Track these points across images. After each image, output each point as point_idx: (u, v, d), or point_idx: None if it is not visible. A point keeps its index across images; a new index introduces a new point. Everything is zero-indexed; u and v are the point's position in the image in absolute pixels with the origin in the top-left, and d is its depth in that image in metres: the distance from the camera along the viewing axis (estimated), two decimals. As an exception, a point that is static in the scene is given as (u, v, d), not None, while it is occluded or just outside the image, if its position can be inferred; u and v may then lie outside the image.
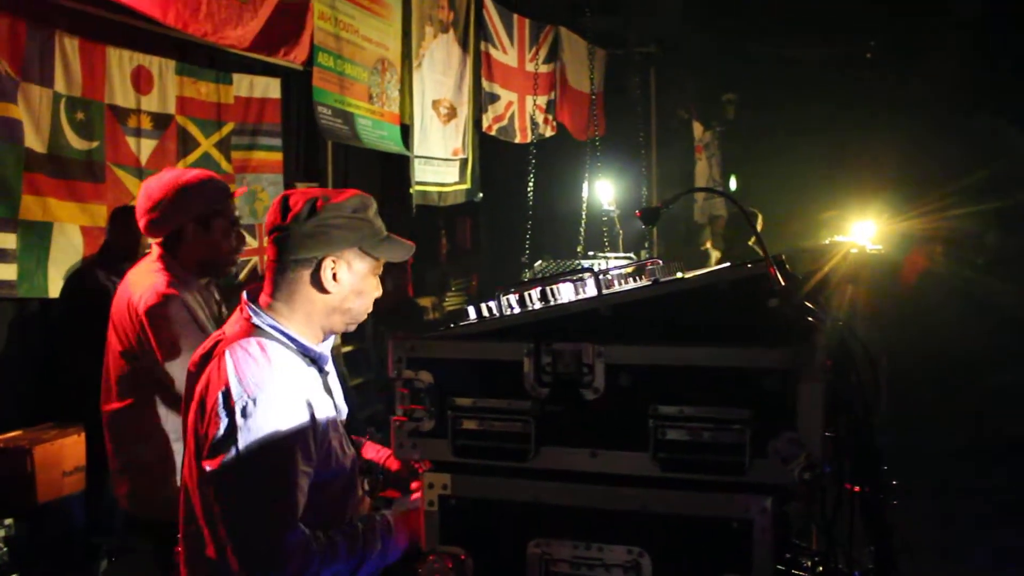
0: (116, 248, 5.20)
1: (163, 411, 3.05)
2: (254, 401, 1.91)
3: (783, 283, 1.80)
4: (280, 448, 1.92)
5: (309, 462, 1.98)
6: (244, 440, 1.89)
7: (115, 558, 5.14)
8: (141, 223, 3.11)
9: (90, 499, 5.12)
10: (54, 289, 5.38)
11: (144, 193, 3.13)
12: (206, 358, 2.06)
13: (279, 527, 1.90)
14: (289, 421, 1.95)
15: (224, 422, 1.91)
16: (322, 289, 2.05)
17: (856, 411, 1.98)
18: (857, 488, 2.04)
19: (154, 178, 3.17)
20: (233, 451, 1.89)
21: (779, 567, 1.81)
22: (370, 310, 2.18)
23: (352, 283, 2.08)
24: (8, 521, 4.35)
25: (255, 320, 2.05)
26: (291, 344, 2.06)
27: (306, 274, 2.05)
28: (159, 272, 3.04)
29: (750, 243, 6.76)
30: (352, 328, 2.18)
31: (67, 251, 5.53)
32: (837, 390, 1.86)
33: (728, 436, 1.70)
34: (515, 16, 9.32)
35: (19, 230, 5.25)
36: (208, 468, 1.92)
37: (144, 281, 3.03)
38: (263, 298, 2.09)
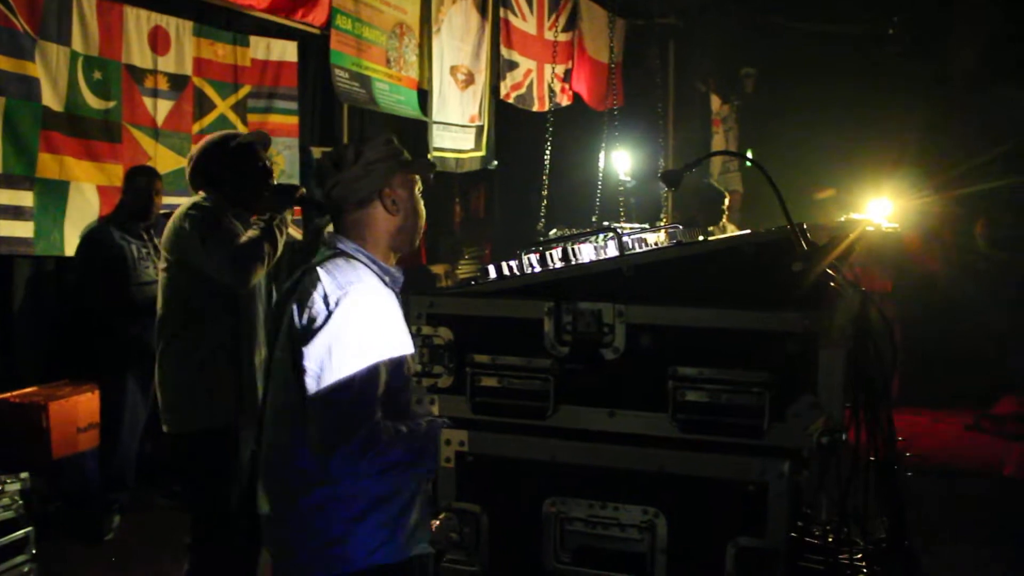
0: (131, 208, 5.20)
1: (206, 330, 3.46)
2: (346, 294, 2.21)
3: (807, 249, 1.79)
4: (366, 335, 2.20)
5: (388, 357, 2.25)
6: (338, 324, 2.18)
7: (128, 513, 5.19)
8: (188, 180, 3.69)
9: (104, 455, 5.16)
10: (70, 247, 5.39)
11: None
12: (293, 286, 2.35)
13: (357, 402, 2.15)
14: (374, 316, 2.24)
15: (322, 313, 2.19)
16: (390, 214, 2.37)
17: (874, 381, 1.97)
18: (872, 458, 2.03)
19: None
20: (327, 334, 2.17)
21: (791, 533, 1.81)
22: (422, 227, 2.47)
23: (407, 203, 2.39)
24: (24, 475, 4.37)
25: (340, 246, 2.35)
26: (372, 265, 2.35)
27: (371, 208, 2.36)
28: (200, 200, 3.55)
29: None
30: (414, 246, 2.48)
31: (83, 210, 5.53)
32: (856, 359, 1.85)
33: (747, 399, 1.70)
34: (535, -17, 9.24)
35: (36, 188, 5.25)
36: (304, 351, 2.19)
37: (186, 204, 3.53)
38: (343, 233, 2.41)
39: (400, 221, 2.39)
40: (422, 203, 2.46)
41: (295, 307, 2.27)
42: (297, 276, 2.39)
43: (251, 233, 3.43)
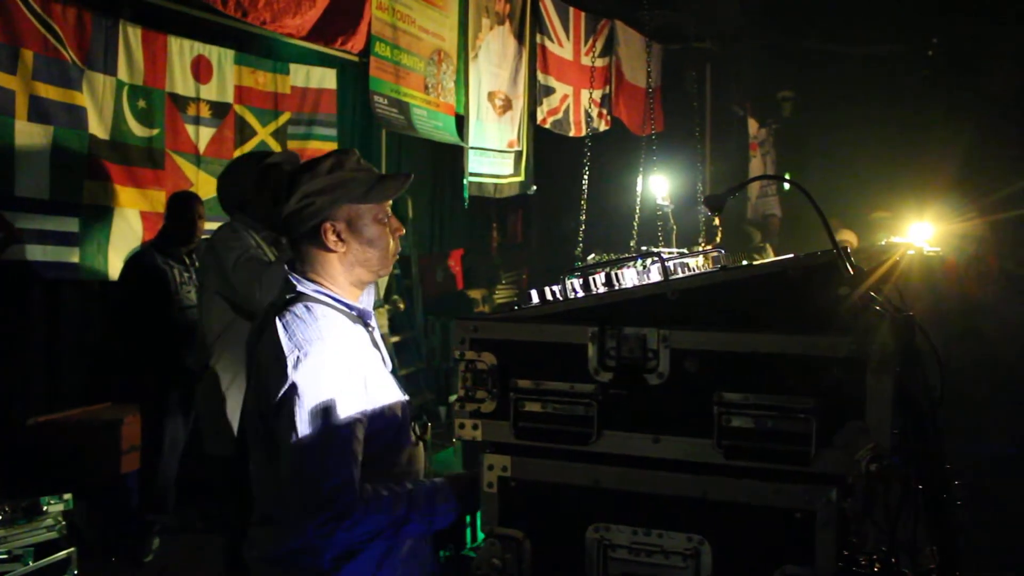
0: (174, 233, 5.28)
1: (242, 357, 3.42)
2: (305, 354, 2.00)
3: (853, 273, 1.77)
4: (333, 397, 2.00)
5: (362, 411, 2.06)
6: (299, 389, 1.98)
7: (167, 536, 5.23)
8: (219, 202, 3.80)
9: (144, 478, 5.21)
10: (114, 272, 5.49)
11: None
12: (261, 327, 2.16)
13: (332, 469, 1.97)
14: (339, 372, 2.03)
15: (280, 377, 1.99)
16: (331, 250, 2.15)
17: (922, 406, 1.94)
18: (921, 486, 1.99)
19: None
20: (289, 403, 1.98)
21: (839, 563, 1.78)
22: (394, 251, 2.23)
23: (357, 236, 2.16)
24: (67, 496, 4.43)
25: (299, 288, 2.15)
26: (335, 303, 2.15)
27: (314, 243, 2.16)
28: (231, 222, 3.59)
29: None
30: (383, 274, 2.26)
31: (127, 235, 5.63)
32: (903, 384, 1.82)
33: (794, 425, 1.67)
34: (571, 9, 9.29)
35: (82, 214, 5.35)
36: (271, 421, 2.02)
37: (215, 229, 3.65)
38: (299, 269, 2.20)
39: (349, 258, 2.17)
40: (383, 230, 2.19)
41: (257, 365, 2.11)
42: (259, 322, 2.21)
43: (280, 256, 3.42)
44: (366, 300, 2.27)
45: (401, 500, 2.05)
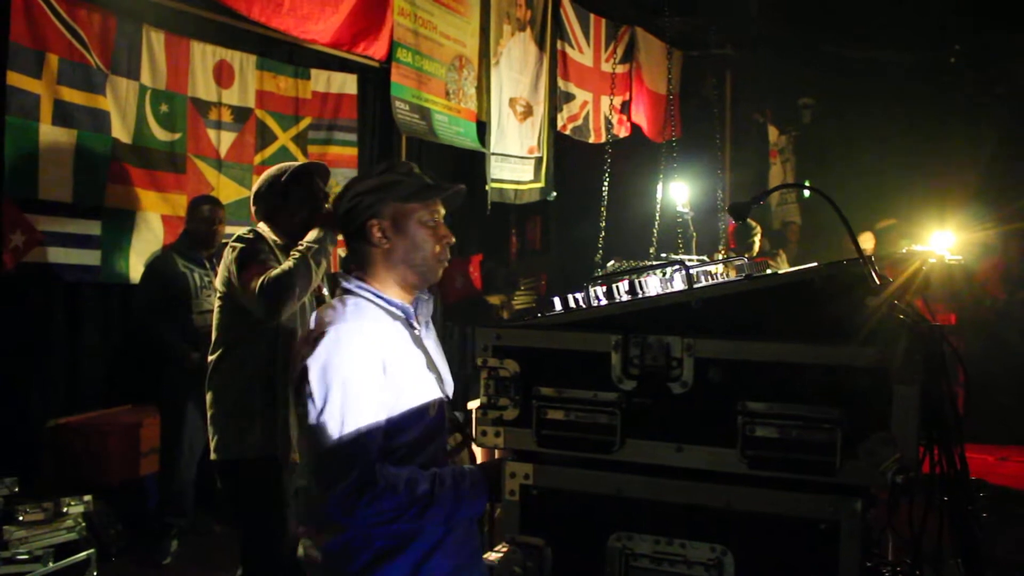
0: (194, 236, 5.31)
1: (244, 358, 3.52)
2: (323, 333, 2.08)
3: (879, 282, 1.76)
4: (348, 374, 2.05)
5: (381, 393, 2.09)
6: (313, 366, 2.05)
7: (186, 538, 5.25)
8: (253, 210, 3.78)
9: (163, 480, 5.23)
10: (135, 275, 5.51)
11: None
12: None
13: (346, 442, 2.02)
14: (356, 351, 2.08)
15: (307, 353, 2.08)
16: (376, 246, 2.22)
17: (947, 417, 1.92)
18: (945, 498, 1.97)
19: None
20: (306, 379, 2.06)
21: (863, 574, 1.76)
22: (440, 257, 2.28)
23: (402, 235, 2.23)
24: (87, 498, 4.46)
25: (344, 284, 2.23)
26: (375, 299, 2.21)
27: (363, 240, 2.23)
28: (245, 231, 3.61)
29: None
30: (431, 279, 2.30)
31: (148, 239, 5.65)
32: (928, 394, 1.80)
33: (819, 435, 1.66)
34: (592, 16, 9.29)
35: (104, 217, 5.38)
36: (298, 391, 2.10)
37: (239, 234, 3.60)
38: (350, 268, 2.29)
39: (394, 256, 2.21)
40: (430, 234, 2.24)
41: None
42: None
43: (285, 265, 3.36)
44: (423, 310, 2.34)
45: (423, 479, 2.07)
